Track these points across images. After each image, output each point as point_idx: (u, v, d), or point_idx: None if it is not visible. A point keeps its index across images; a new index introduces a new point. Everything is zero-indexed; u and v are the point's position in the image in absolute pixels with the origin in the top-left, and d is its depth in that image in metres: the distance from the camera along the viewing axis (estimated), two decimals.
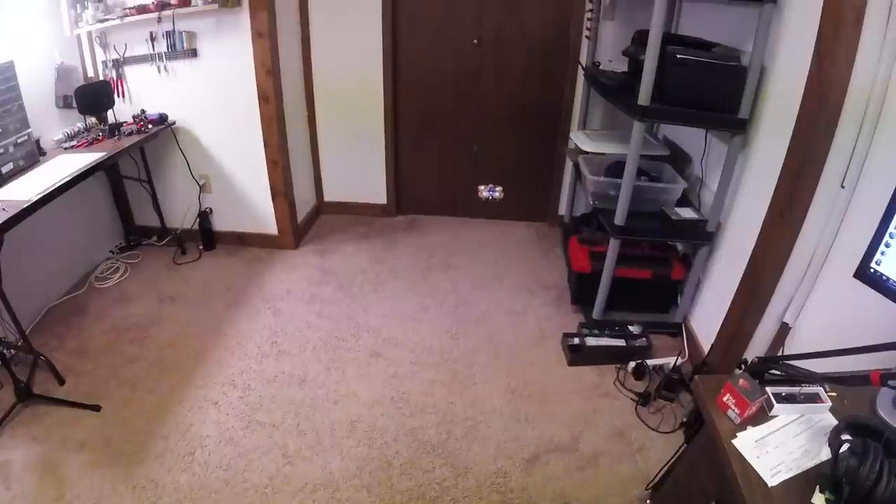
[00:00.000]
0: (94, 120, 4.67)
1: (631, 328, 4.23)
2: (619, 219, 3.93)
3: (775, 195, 3.19)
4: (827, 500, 1.60)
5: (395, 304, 4.80)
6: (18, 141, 3.87)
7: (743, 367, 2.01)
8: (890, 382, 1.64)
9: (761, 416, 1.88)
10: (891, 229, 1.93)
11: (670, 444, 3.38)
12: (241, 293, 4.90)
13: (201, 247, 5.61)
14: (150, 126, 4.79)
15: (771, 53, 3.41)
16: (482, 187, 5.12)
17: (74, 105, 4.42)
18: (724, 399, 1.89)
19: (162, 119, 4.92)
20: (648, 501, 3.04)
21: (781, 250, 3.16)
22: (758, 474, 1.69)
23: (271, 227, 5.59)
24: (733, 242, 3.84)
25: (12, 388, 3.49)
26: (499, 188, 5.03)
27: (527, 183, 6.19)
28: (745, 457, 1.74)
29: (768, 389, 1.90)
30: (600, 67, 4.96)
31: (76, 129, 4.52)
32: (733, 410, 1.87)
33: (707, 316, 4.10)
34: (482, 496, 3.15)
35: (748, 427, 1.85)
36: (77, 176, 3.82)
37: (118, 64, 4.89)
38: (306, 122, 5.90)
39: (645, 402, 3.74)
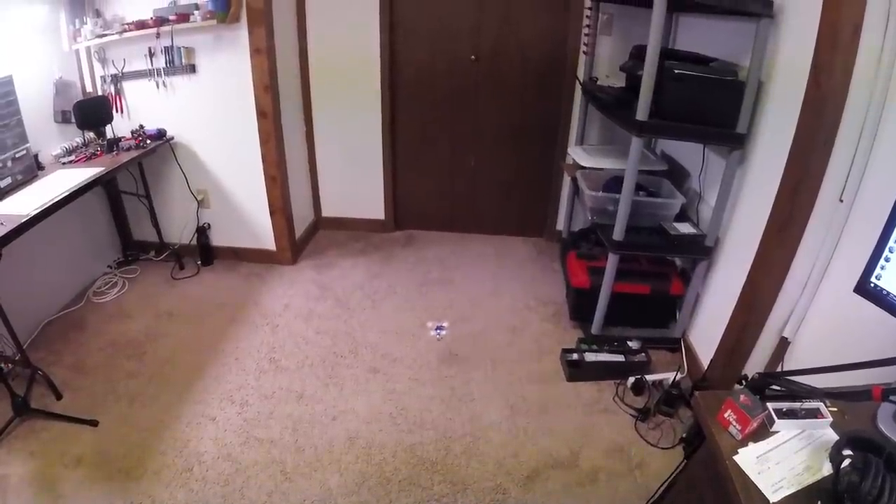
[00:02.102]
0: (92, 135, 4.68)
1: (630, 343, 4.23)
2: (618, 234, 3.93)
3: (774, 210, 3.19)
4: None
5: (394, 320, 4.79)
6: (17, 155, 3.86)
7: (744, 382, 2.00)
8: (892, 398, 1.64)
9: (762, 432, 1.87)
10: (890, 243, 1.93)
11: (670, 459, 3.38)
12: (239, 309, 4.90)
13: (199, 262, 5.61)
14: (148, 141, 4.79)
15: (768, 68, 3.43)
16: (430, 323, 5.05)
17: (73, 120, 4.43)
18: (726, 415, 1.88)
19: (160, 134, 4.93)
20: None
21: (780, 265, 3.16)
22: (759, 490, 1.68)
23: (269, 243, 5.59)
24: (732, 257, 3.84)
25: (10, 402, 3.48)
26: (445, 323, 4.97)
27: (524, 198, 6.20)
28: (747, 473, 1.73)
29: (769, 405, 1.89)
30: (598, 83, 4.97)
31: (74, 144, 4.53)
32: (734, 426, 1.86)
33: (706, 331, 4.10)
34: None
35: (749, 443, 1.84)
36: (75, 191, 3.83)
37: (117, 79, 4.89)
38: (304, 137, 5.90)
39: (644, 417, 3.74)
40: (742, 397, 1.86)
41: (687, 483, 2.51)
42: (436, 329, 4.80)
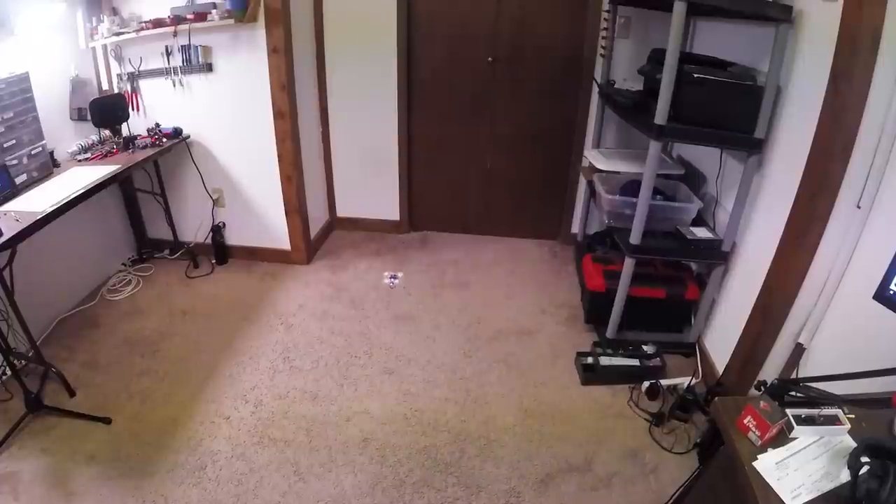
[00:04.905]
0: (108, 133, 4.69)
1: (645, 348, 4.21)
2: (635, 238, 3.92)
3: (791, 215, 3.18)
4: None
5: (408, 322, 4.78)
6: (32, 152, 3.89)
7: (762, 388, 2.00)
8: None
9: (781, 438, 1.87)
10: None
11: (684, 465, 3.38)
12: (254, 308, 4.90)
13: (214, 261, 5.63)
14: (164, 139, 4.81)
15: (787, 73, 3.41)
16: (386, 273, 5.14)
17: (89, 117, 4.44)
18: (745, 421, 1.87)
19: (176, 133, 4.94)
20: None
21: (797, 271, 3.15)
22: (778, 496, 1.67)
23: (284, 243, 5.59)
24: (748, 262, 3.82)
25: (22, 398, 3.50)
26: (400, 274, 5.04)
27: (540, 201, 6.19)
28: (766, 479, 1.73)
29: (788, 411, 1.88)
30: (615, 86, 4.96)
31: (90, 142, 4.54)
32: (754, 432, 1.85)
33: (721, 336, 4.08)
34: None
35: (768, 449, 1.83)
36: (90, 188, 3.84)
37: (133, 77, 4.91)
38: (320, 137, 5.91)
39: (658, 422, 3.72)
40: (762, 403, 1.85)
41: (704, 489, 2.50)
42: (390, 278, 5.04)
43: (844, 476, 1.73)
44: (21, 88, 3.76)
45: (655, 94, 3.49)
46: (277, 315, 4.82)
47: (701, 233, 4.10)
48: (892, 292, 1.98)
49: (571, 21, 5.26)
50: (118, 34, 4.59)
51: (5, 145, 3.68)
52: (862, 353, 2.70)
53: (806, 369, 3.14)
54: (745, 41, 3.97)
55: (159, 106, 5.04)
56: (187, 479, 3.25)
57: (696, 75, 3.48)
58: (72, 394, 3.83)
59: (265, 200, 5.41)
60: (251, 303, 4.98)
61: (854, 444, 1.83)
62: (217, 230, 5.54)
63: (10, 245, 3.17)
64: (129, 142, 4.61)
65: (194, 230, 5.64)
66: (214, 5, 4.50)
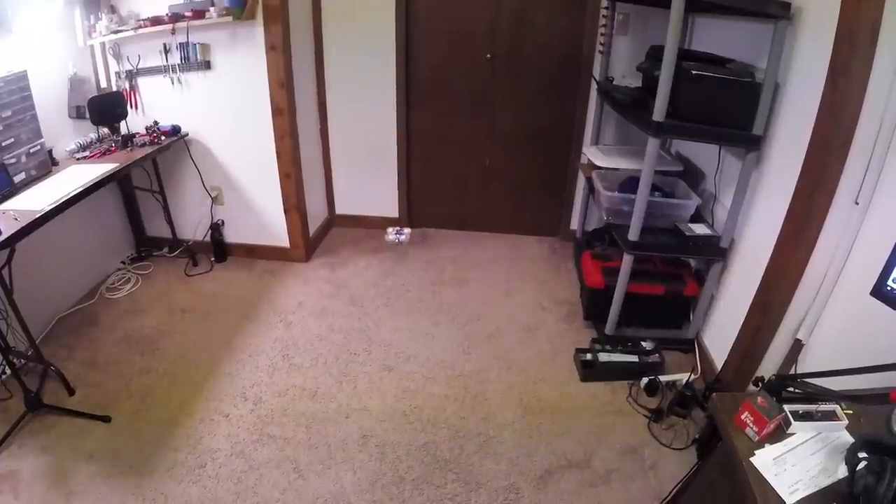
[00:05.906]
0: (106, 131, 4.69)
1: (644, 344, 4.21)
2: (633, 234, 3.91)
3: (789, 212, 3.18)
4: None
5: (407, 319, 4.78)
6: (31, 151, 3.88)
7: (760, 384, 2.00)
8: None
9: (778, 434, 1.87)
10: None
11: (683, 461, 3.38)
12: (253, 306, 4.90)
13: (213, 259, 5.62)
14: (162, 137, 4.80)
15: (785, 70, 3.41)
16: (390, 229, 5.18)
17: (87, 116, 4.44)
18: (743, 417, 1.88)
19: (175, 131, 4.93)
20: None
21: (795, 267, 3.14)
22: (776, 492, 1.68)
23: (283, 240, 5.59)
24: (747, 259, 3.82)
25: (22, 397, 3.49)
26: (407, 230, 5.08)
27: (539, 197, 6.18)
28: (764, 475, 1.73)
29: (786, 407, 1.88)
30: (614, 83, 4.96)
31: (89, 140, 4.54)
32: (751, 428, 1.85)
33: (720, 332, 4.08)
34: None
35: (766, 445, 1.83)
36: (89, 187, 3.83)
37: (131, 75, 4.90)
38: (319, 135, 5.90)
39: (657, 418, 3.72)
40: (759, 399, 1.85)
41: (703, 484, 2.50)
42: (395, 233, 5.33)
43: (842, 472, 1.74)
44: (19, 87, 3.76)
45: (654, 90, 3.49)
46: (277, 313, 4.82)
47: (699, 229, 4.10)
48: (889, 288, 1.98)
49: (570, 18, 5.26)
50: (116, 32, 4.59)
51: (4, 144, 3.68)
52: (860, 349, 2.70)
53: (804, 365, 3.14)
54: (744, 38, 3.97)
55: (158, 104, 5.03)
56: (187, 477, 3.25)
57: (694, 72, 3.48)
58: (71, 392, 3.83)
59: (264, 198, 5.41)
60: (250, 300, 4.98)
61: (851, 440, 1.84)
62: (216, 228, 5.54)
63: (9, 244, 3.17)
64: (128, 140, 4.61)
65: (193, 228, 5.64)
66: (213, 3, 4.50)
